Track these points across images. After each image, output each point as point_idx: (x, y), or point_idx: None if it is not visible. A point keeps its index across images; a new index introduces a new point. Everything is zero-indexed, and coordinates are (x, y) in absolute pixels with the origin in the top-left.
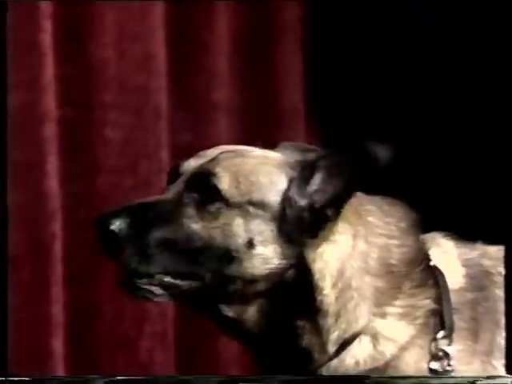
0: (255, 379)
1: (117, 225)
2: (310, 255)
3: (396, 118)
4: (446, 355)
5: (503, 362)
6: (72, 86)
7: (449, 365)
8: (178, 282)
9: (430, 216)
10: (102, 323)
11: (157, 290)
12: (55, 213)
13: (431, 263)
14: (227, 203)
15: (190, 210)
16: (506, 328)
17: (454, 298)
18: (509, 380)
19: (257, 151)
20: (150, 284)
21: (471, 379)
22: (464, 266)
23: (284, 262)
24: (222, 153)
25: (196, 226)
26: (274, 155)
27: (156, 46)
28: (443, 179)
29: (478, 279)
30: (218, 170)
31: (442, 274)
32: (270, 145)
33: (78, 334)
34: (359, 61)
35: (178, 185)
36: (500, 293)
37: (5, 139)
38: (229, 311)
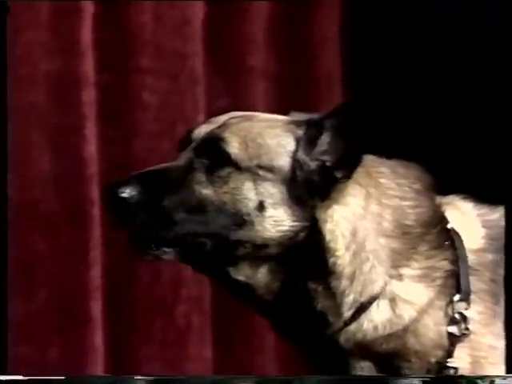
0: (256, 379)
1: (127, 192)
2: (320, 217)
3: (428, 83)
4: (464, 318)
5: None
6: (110, 51)
7: (466, 328)
8: (183, 247)
9: (449, 179)
10: (139, 287)
11: (166, 248)
12: (93, 177)
13: (448, 226)
14: (237, 167)
15: (200, 176)
16: (506, 327)
17: (473, 258)
18: (509, 380)
19: (265, 115)
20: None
21: (471, 379)
22: (484, 227)
23: (295, 224)
24: (230, 118)
25: (206, 191)
26: (281, 118)
27: (193, 11)
28: (462, 143)
29: (498, 241)
30: (227, 134)
31: (459, 236)
32: (305, 110)
33: (116, 298)
34: (397, 25)
35: (188, 151)
36: None
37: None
38: (238, 274)
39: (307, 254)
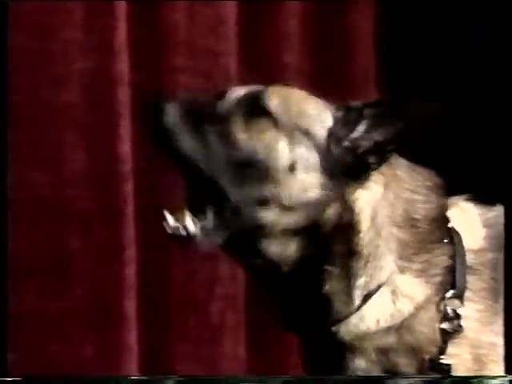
0: (256, 379)
1: (172, 112)
2: (349, 196)
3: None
4: (457, 316)
5: None
6: (144, 49)
7: (459, 325)
8: (210, 218)
9: (453, 181)
10: (174, 285)
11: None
12: (127, 176)
13: (449, 225)
14: (275, 123)
15: (239, 120)
16: (505, 326)
17: (474, 258)
18: (507, 380)
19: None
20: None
21: (471, 379)
22: (485, 226)
23: (324, 193)
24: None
25: (242, 136)
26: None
27: (226, 9)
28: (463, 143)
29: (498, 239)
30: (270, 92)
31: (458, 234)
32: None
33: (150, 297)
34: (432, 22)
35: (228, 101)
36: None
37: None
38: (270, 245)
39: (334, 232)
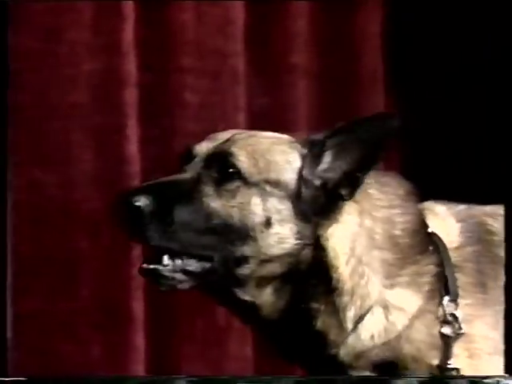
0: (255, 379)
1: (142, 201)
2: (323, 235)
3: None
4: (456, 319)
5: None
6: (151, 50)
7: (459, 328)
8: (193, 263)
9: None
10: None
11: (180, 276)
12: (134, 176)
13: (429, 230)
14: (245, 182)
15: (209, 189)
16: (505, 326)
17: (454, 256)
18: (507, 380)
19: (268, 133)
20: (173, 271)
21: (472, 379)
22: (459, 221)
23: (299, 241)
24: (234, 134)
25: (214, 204)
26: (285, 136)
27: (234, 10)
28: (462, 143)
29: (474, 232)
30: (235, 149)
31: (440, 238)
32: (347, 109)
33: (157, 298)
34: (440, 23)
35: (195, 165)
36: (496, 242)
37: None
38: (244, 295)
39: (310, 272)
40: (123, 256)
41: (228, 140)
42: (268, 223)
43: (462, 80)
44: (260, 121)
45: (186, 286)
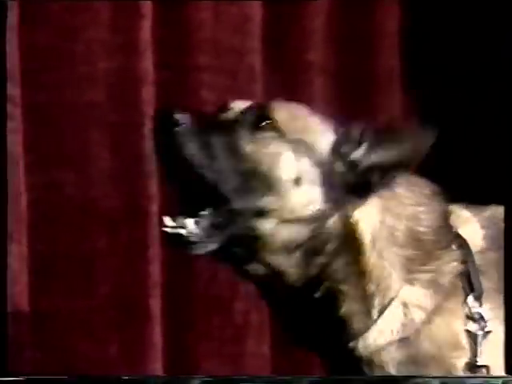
0: (256, 379)
1: (182, 118)
2: (350, 214)
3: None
4: (481, 317)
5: None
6: (168, 48)
7: (486, 325)
8: (212, 214)
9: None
10: (198, 284)
11: (204, 237)
12: (152, 174)
13: (453, 230)
14: (280, 135)
15: (245, 132)
16: (506, 325)
17: (478, 259)
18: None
19: None
20: (199, 236)
21: (471, 379)
22: (482, 227)
23: (327, 208)
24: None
25: (248, 147)
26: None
27: (251, 8)
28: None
29: (497, 238)
30: (277, 106)
31: (463, 238)
32: (364, 106)
33: (175, 295)
34: (458, 20)
35: (235, 111)
36: None
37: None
38: (269, 259)
39: (340, 249)
40: (141, 254)
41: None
42: (298, 181)
43: (480, 78)
44: None
45: (213, 246)
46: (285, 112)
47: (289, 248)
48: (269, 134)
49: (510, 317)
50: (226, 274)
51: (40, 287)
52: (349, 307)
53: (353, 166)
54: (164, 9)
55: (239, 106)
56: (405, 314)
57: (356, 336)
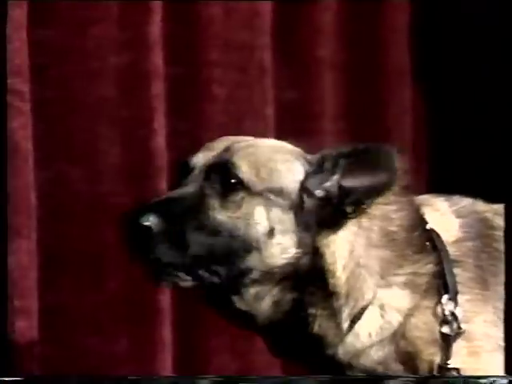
0: (255, 379)
1: (151, 221)
2: (323, 242)
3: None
4: (455, 318)
5: None
6: (179, 44)
7: (459, 327)
8: (201, 273)
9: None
10: None
11: (183, 275)
12: (162, 170)
13: (427, 226)
14: (249, 192)
15: (214, 202)
16: (505, 326)
17: (453, 250)
18: (505, 380)
19: (269, 141)
20: (178, 270)
21: (472, 379)
22: (458, 216)
23: (300, 250)
24: (233, 143)
25: (220, 216)
26: (286, 145)
27: (261, 4)
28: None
29: (475, 227)
30: (235, 159)
31: (438, 235)
32: (375, 102)
33: (184, 290)
34: (468, 16)
35: (196, 177)
36: (497, 237)
37: None
38: (241, 304)
39: (308, 280)
40: None
41: (227, 150)
42: (271, 233)
43: (491, 74)
44: (287, 114)
45: (187, 284)
46: (247, 163)
47: (262, 294)
48: (238, 195)
49: (510, 317)
50: None
51: (49, 282)
52: (320, 325)
53: (326, 197)
54: (174, 4)
55: (199, 165)
56: (382, 316)
57: (332, 346)
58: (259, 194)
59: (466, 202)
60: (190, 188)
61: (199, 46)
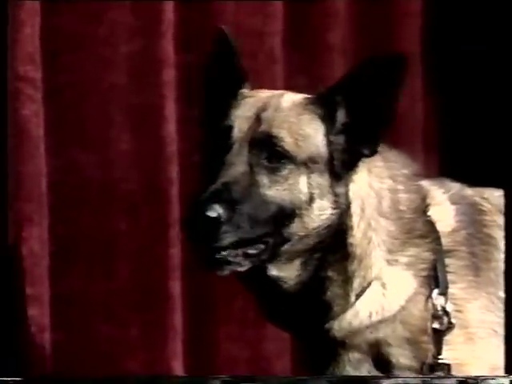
0: (265, 379)
1: (217, 210)
2: (342, 193)
3: None
4: (446, 313)
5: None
6: (190, 31)
7: (450, 322)
8: (252, 249)
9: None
10: None
11: (241, 260)
12: (172, 157)
13: (428, 214)
14: (294, 163)
15: (263, 178)
16: (505, 325)
17: (448, 240)
18: (507, 380)
19: (287, 98)
20: (236, 256)
21: (472, 379)
22: (453, 203)
23: (335, 211)
24: (262, 110)
25: (270, 192)
26: (297, 97)
27: None
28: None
29: (467, 213)
30: (276, 130)
31: (434, 227)
32: None
33: (195, 277)
34: (481, 3)
35: (240, 153)
36: (488, 222)
37: None
38: (273, 269)
39: (333, 241)
40: (161, 236)
41: (261, 119)
42: (311, 199)
43: (503, 61)
44: None
45: (244, 268)
46: (286, 134)
47: (293, 257)
48: (285, 170)
49: (510, 317)
50: None
51: (60, 270)
52: (332, 291)
53: (345, 140)
54: None
55: (237, 136)
56: (383, 295)
57: (333, 318)
58: (302, 163)
59: (455, 186)
60: (239, 168)
61: (210, 33)
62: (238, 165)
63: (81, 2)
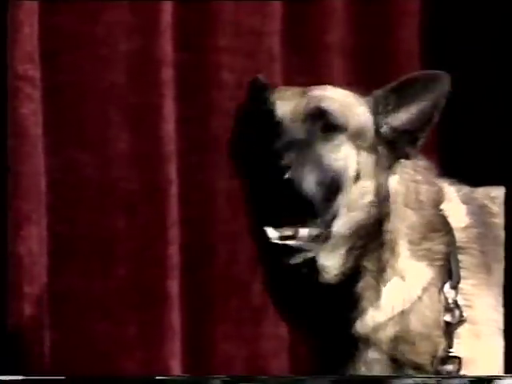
0: (264, 379)
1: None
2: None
3: None
4: (457, 306)
5: None
6: (188, 30)
7: (461, 315)
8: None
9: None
10: (216, 266)
11: (309, 245)
12: (171, 156)
13: (442, 212)
14: (346, 135)
15: (321, 147)
16: (505, 325)
17: (461, 236)
18: (509, 380)
19: (330, 88)
20: (307, 241)
21: (472, 379)
22: (464, 203)
23: (375, 199)
24: (308, 92)
25: (328, 160)
26: (343, 91)
27: None
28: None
29: (477, 214)
30: (327, 105)
31: (448, 221)
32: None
33: (193, 277)
34: (480, 1)
35: (293, 125)
36: (497, 224)
37: None
38: (322, 259)
39: (373, 227)
40: (159, 235)
41: (308, 98)
42: (357, 176)
43: (503, 59)
44: None
45: (310, 255)
46: (337, 108)
47: (339, 244)
48: (339, 139)
49: (510, 317)
50: (245, 256)
51: (59, 268)
52: (366, 282)
53: (388, 140)
54: None
55: (285, 114)
56: (403, 287)
57: (360, 313)
58: (353, 136)
59: (464, 188)
60: (295, 135)
61: (209, 33)
62: (294, 133)
63: (79, 2)
